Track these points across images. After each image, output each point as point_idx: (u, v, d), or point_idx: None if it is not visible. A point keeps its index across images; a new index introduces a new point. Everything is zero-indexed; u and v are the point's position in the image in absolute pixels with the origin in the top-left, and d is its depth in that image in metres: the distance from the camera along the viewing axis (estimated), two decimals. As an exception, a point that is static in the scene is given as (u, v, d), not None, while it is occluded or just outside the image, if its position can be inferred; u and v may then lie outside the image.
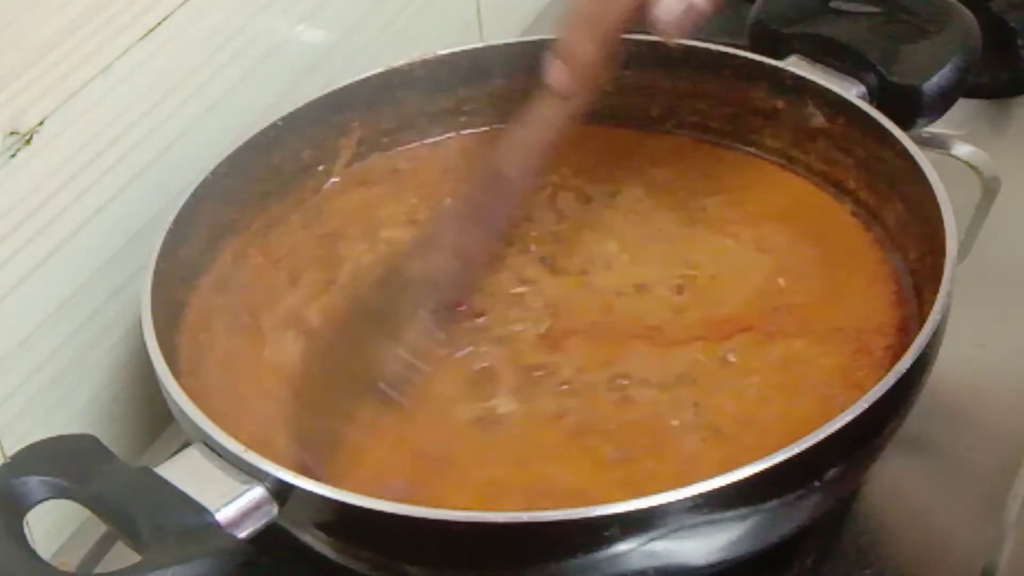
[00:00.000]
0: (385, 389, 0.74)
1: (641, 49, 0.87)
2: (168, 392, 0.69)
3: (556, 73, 0.75)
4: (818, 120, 0.83)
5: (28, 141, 0.72)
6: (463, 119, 0.90)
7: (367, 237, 0.84)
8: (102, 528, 0.69)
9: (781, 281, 0.79)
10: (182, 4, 0.79)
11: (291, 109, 0.84)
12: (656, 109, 0.88)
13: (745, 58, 0.85)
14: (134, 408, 0.81)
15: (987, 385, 0.80)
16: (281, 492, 0.65)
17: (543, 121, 0.77)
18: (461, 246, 0.78)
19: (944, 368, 0.70)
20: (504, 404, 0.74)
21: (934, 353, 0.69)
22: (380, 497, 0.63)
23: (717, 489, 0.62)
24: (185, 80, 0.81)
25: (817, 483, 0.65)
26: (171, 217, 0.77)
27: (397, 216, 0.85)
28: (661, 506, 0.61)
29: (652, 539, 0.62)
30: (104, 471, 0.65)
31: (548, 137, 0.77)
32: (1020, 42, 0.99)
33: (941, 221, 0.73)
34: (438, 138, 0.90)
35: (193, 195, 0.79)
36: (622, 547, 0.62)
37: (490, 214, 0.79)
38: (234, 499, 0.64)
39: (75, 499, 0.65)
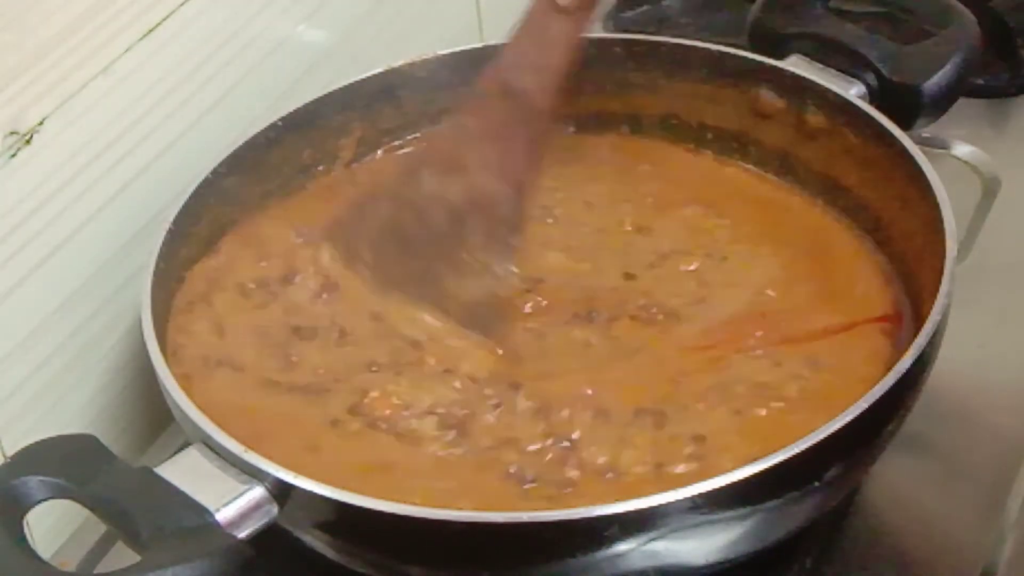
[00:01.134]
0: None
1: (641, 49, 0.87)
2: (168, 392, 0.69)
3: None
4: (818, 120, 0.83)
5: (28, 141, 0.72)
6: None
7: None
8: (102, 528, 0.69)
9: (771, 292, 0.78)
10: (182, 4, 0.79)
11: (291, 109, 0.85)
12: (655, 109, 0.88)
13: (745, 58, 0.85)
14: (134, 408, 0.81)
15: (987, 385, 0.80)
16: (281, 492, 0.64)
17: (548, 39, 0.74)
18: (503, 169, 0.74)
19: (944, 368, 0.70)
20: None
21: (934, 353, 0.69)
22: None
23: (717, 489, 0.62)
24: (185, 80, 0.81)
25: (817, 483, 0.65)
26: (171, 217, 0.77)
27: None
28: (661, 506, 0.61)
29: (652, 539, 0.62)
30: (104, 471, 0.65)
31: (557, 56, 0.75)
32: (1020, 42, 0.99)
33: (941, 221, 0.73)
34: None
35: (193, 195, 0.79)
36: (622, 547, 0.62)
37: (517, 137, 0.75)
38: (234, 499, 0.64)
39: (75, 499, 0.65)
